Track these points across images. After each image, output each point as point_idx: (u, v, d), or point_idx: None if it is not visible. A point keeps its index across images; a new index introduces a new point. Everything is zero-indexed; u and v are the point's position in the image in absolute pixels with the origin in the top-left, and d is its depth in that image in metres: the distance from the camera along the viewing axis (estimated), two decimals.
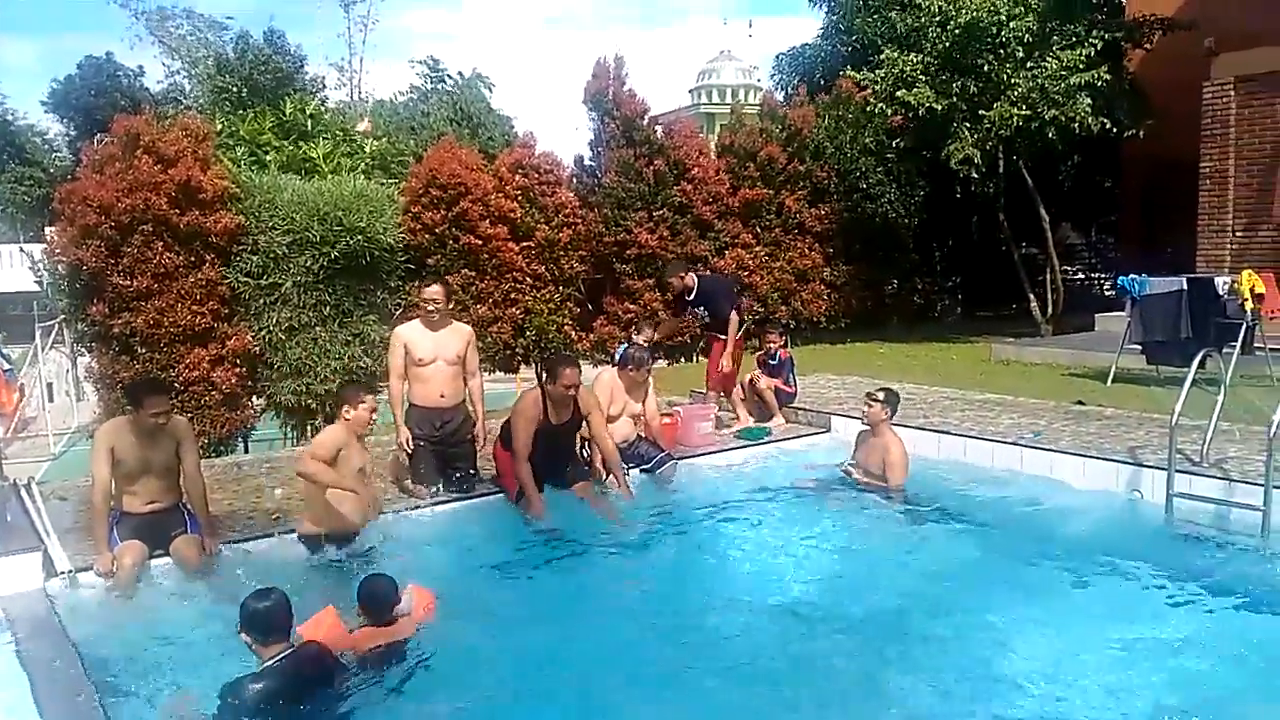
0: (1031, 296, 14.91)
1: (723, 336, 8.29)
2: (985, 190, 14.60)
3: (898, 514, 6.16)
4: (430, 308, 6.32)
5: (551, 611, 4.93)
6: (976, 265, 17.12)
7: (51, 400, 17.43)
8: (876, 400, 6.61)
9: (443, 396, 6.39)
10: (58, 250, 9.50)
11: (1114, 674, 4.15)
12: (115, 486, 5.07)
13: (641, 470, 6.78)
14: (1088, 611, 4.79)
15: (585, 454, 6.73)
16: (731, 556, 5.73)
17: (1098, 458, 6.36)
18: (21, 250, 13.97)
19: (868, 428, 6.69)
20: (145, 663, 4.16)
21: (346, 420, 5.48)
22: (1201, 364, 6.08)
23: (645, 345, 7.61)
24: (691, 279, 8.47)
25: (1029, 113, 12.68)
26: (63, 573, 5.04)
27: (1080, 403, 8.43)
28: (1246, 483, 5.67)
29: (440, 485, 6.41)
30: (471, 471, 6.53)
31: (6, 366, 9.42)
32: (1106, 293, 18.60)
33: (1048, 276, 15.23)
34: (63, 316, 10.77)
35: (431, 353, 6.32)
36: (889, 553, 5.62)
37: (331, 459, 5.30)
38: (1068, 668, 4.20)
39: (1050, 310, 14.88)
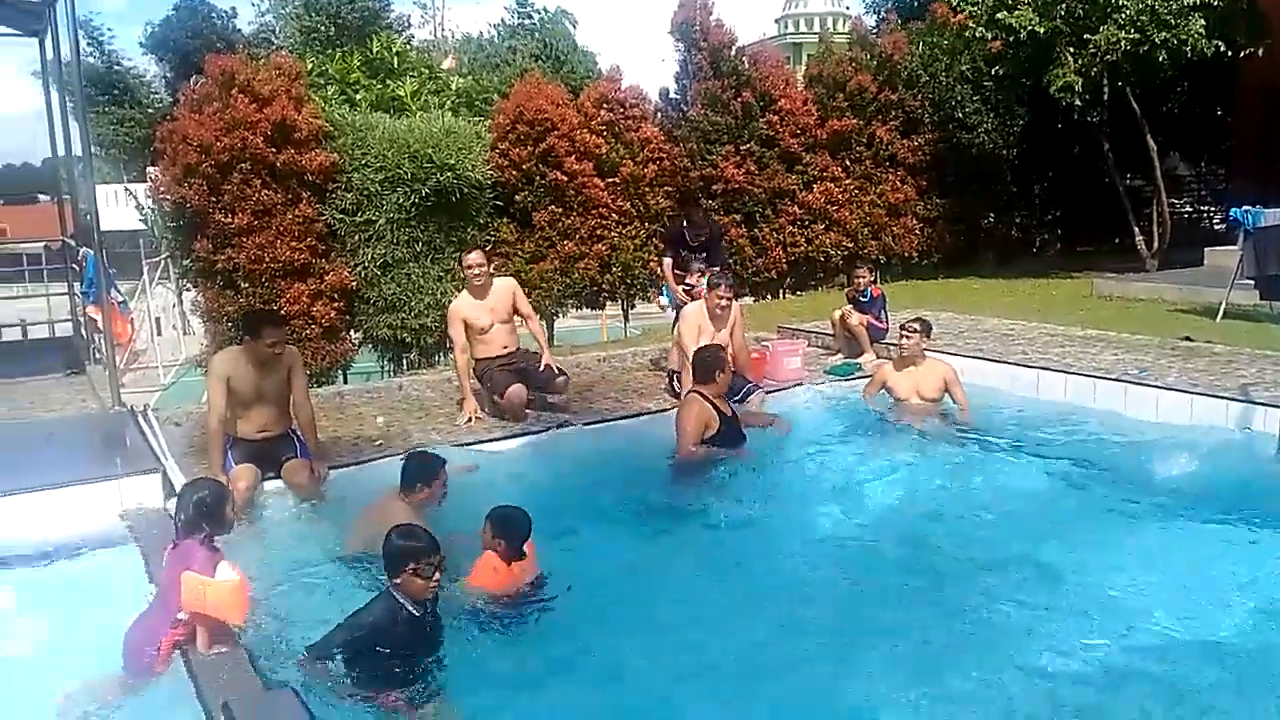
0: (1136, 230, 14.29)
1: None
2: (1089, 119, 13.93)
3: (981, 448, 6.06)
4: (475, 273, 6.73)
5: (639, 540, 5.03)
6: (1078, 198, 16.39)
7: (159, 334, 18.18)
8: (913, 331, 6.67)
9: (505, 348, 6.88)
10: (161, 189, 9.83)
11: (1220, 613, 4.07)
12: (230, 413, 5.28)
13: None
14: (1193, 549, 4.68)
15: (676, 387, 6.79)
16: (823, 487, 5.72)
17: (1206, 394, 6.14)
18: (126, 190, 14.48)
19: (903, 361, 6.74)
20: (259, 578, 4.38)
21: (420, 496, 4.70)
22: None
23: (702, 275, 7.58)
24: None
25: (1137, 35, 12.01)
26: None
27: (1188, 339, 8.11)
28: None
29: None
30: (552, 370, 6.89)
31: (120, 299, 9.82)
32: (1216, 226, 17.72)
33: (1154, 209, 14.56)
34: (168, 253, 11.18)
35: (488, 319, 6.79)
36: (985, 487, 5.55)
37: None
38: (1171, 604, 4.13)
39: (1156, 244, 14.25)
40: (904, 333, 6.71)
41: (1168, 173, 15.63)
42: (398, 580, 3.52)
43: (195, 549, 3.66)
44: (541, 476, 5.80)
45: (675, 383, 6.95)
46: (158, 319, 17.64)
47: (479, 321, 6.79)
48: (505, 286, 6.97)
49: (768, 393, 7.07)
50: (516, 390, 6.60)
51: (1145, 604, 4.15)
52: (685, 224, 8.12)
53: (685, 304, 7.57)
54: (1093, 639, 3.91)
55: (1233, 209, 9.59)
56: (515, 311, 6.97)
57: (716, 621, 4.15)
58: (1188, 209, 19.08)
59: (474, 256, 6.87)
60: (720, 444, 5.92)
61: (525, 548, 4.22)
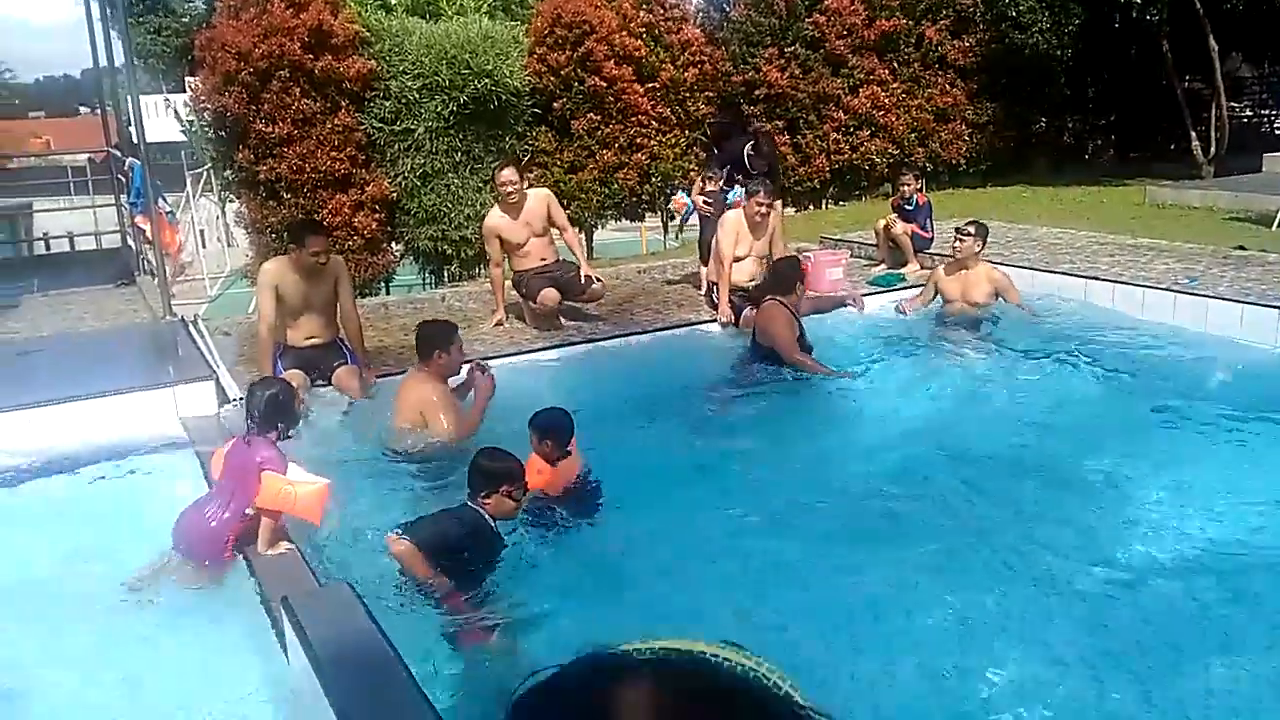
0: (1193, 135, 13.80)
1: None
2: (1147, 17, 13.34)
3: (1026, 357, 6.02)
4: (509, 190, 6.67)
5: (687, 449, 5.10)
6: (1134, 101, 15.80)
7: (204, 246, 18.40)
8: (968, 234, 6.62)
9: (543, 260, 6.87)
10: (201, 98, 9.83)
11: (1264, 522, 4.07)
12: (279, 321, 5.39)
13: None
14: (1239, 459, 4.66)
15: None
16: (867, 399, 5.73)
17: (1257, 304, 6.01)
18: (166, 101, 14.49)
19: (956, 264, 6.70)
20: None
21: (440, 363, 4.94)
22: None
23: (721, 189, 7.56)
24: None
25: None
26: (234, 400, 5.46)
27: (1241, 248, 7.90)
28: None
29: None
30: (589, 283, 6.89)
31: (168, 209, 9.94)
32: (1277, 131, 17.06)
33: (1212, 113, 14.03)
34: (209, 164, 11.24)
35: (523, 234, 6.76)
36: (1029, 397, 5.54)
37: (460, 421, 4.90)
38: (1214, 514, 4.13)
39: (1213, 150, 13.77)
40: (959, 235, 6.62)
41: (1228, 74, 14.98)
42: (488, 500, 3.60)
43: (267, 447, 3.78)
44: (583, 385, 5.86)
45: (714, 294, 6.93)
46: (202, 231, 17.83)
47: (515, 237, 6.79)
48: (540, 198, 6.90)
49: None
50: (549, 294, 6.64)
51: (1189, 515, 4.15)
52: (752, 149, 7.98)
53: (706, 213, 7.56)
54: (1136, 551, 3.93)
55: None
56: (551, 223, 6.94)
57: (762, 528, 4.21)
58: (1248, 113, 18.34)
59: (507, 173, 6.76)
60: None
61: (569, 446, 4.31)
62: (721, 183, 7.89)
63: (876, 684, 3.18)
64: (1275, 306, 5.96)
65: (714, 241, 7.00)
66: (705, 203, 7.77)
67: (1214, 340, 6.02)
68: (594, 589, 3.77)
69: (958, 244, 6.61)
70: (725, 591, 3.77)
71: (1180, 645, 3.35)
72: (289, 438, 3.95)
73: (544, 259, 6.90)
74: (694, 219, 8.37)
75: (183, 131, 12.28)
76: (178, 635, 3.46)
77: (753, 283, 6.77)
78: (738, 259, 6.74)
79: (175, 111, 11.85)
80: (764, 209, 6.71)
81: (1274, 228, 8.95)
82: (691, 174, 8.35)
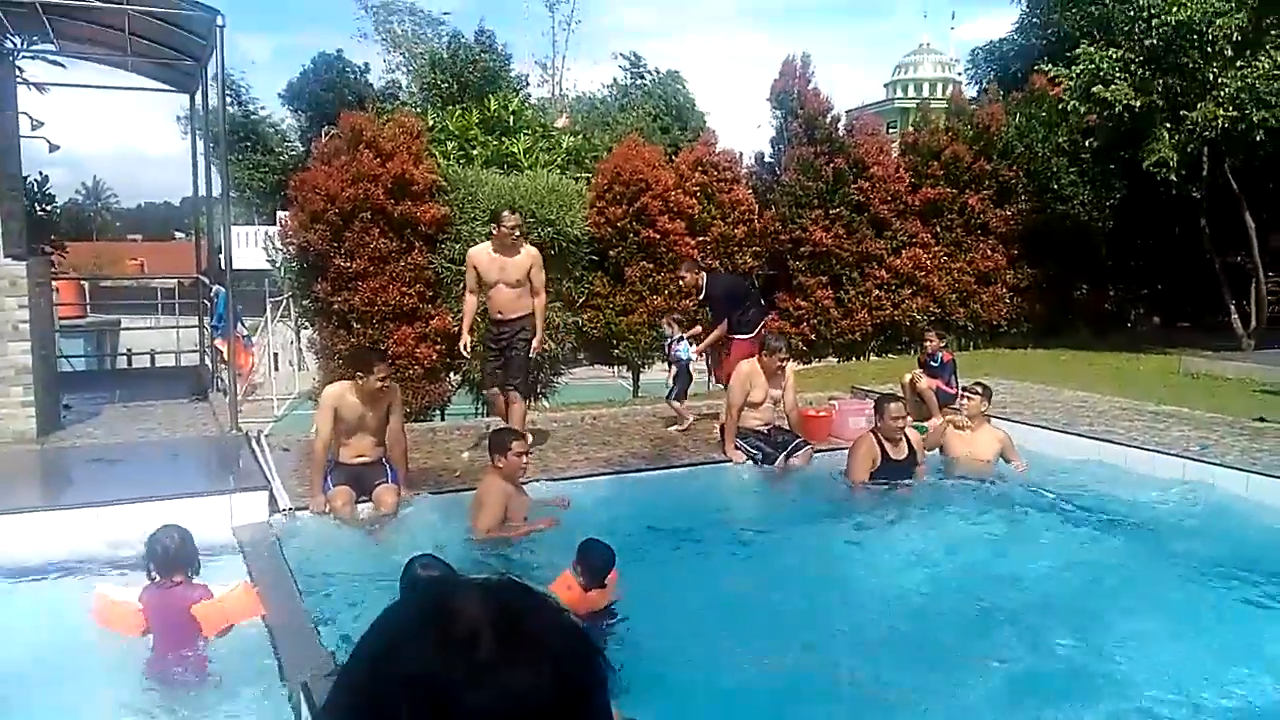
0: (1233, 307, 14.05)
1: (733, 338, 8.54)
2: (1188, 194, 13.85)
3: (1034, 512, 6.24)
4: (511, 228, 7.06)
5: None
6: (1177, 273, 16.18)
7: (277, 369, 19.41)
8: (975, 394, 7.03)
9: (500, 313, 7.18)
10: (289, 233, 10.74)
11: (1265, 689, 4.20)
12: (334, 439, 5.92)
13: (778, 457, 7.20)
14: (1237, 626, 4.79)
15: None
16: (876, 542, 5.99)
17: (1261, 474, 6.20)
18: (264, 235, 15.67)
19: (960, 423, 7.07)
20: (345, 583, 4.94)
21: (499, 469, 5.67)
22: None
23: (674, 336, 8.58)
24: (700, 278, 8.74)
25: (1235, 114, 12.00)
26: (285, 510, 5.96)
27: (1262, 419, 8.08)
28: None
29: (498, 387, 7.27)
30: (513, 380, 7.26)
31: (245, 333, 10.74)
32: None
33: (1252, 288, 14.29)
34: (290, 293, 12.14)
35: (496, 275, 7.09)
36: (1034, 556, 5.73)
37: (499, 520, 5.61)
38: (1211, 677, 4.25)
39: (1254, 323, 13.97)
40: (965, 395, 7.01)
41: (1272, 250, 15.29)
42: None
43: (185, 589, 4.12)
44: (605, 515, 6.25)
45: (720, 435, 7.41)
46: (276, 355, 18.87)
47: (489, 275, 7.09)
48: (529, 254, 7.21)
49: (828, 450, 7.40)
50: (492, 393, 7.34)
51: (1183, 677, 4.26)
52: (747, 284, 8.66)
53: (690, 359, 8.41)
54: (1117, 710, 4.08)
55: None
56: (529, 281, 7.17)
57: (768, 661, 4.45)
58: None
59: (514, 218, 7.16)
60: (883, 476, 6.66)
61: (608, 579, 4.58)
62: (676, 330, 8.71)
63: None
64: (1277, 476, 6.14)
65: (729, 389, 7.52)
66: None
67: (1218, 505, 6.19)
68: None
69: (964, 403, 6.99)
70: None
71: None
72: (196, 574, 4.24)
73: (500, 312, 7.14)
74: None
75: (269, 261, 13.32)
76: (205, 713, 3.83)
77: (766, 426, 7.23)
78: (754, 404, 7.20)
79: (267, 242, 12.84)
80: (781, 362, 7.26)
81: None
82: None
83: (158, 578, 4.17)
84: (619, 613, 4.69)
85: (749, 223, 12.66)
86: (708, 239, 12.25)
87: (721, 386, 9.08)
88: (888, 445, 6.66)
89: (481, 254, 7.22)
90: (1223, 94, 12.09)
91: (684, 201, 12.01)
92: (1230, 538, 5.79)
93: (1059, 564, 5.54)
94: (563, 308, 11.12)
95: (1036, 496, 6.48)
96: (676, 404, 8.59)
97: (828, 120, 13.88)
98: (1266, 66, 11.82)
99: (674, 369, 8.69)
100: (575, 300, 11.36)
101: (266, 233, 14.02)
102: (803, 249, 13.21)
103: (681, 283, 9.21)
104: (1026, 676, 4.29)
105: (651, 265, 11.93)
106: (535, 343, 7.29)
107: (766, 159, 14.32)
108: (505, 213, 7.22)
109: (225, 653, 4.16)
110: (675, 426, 8.45)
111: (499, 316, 7.23)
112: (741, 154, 13.89)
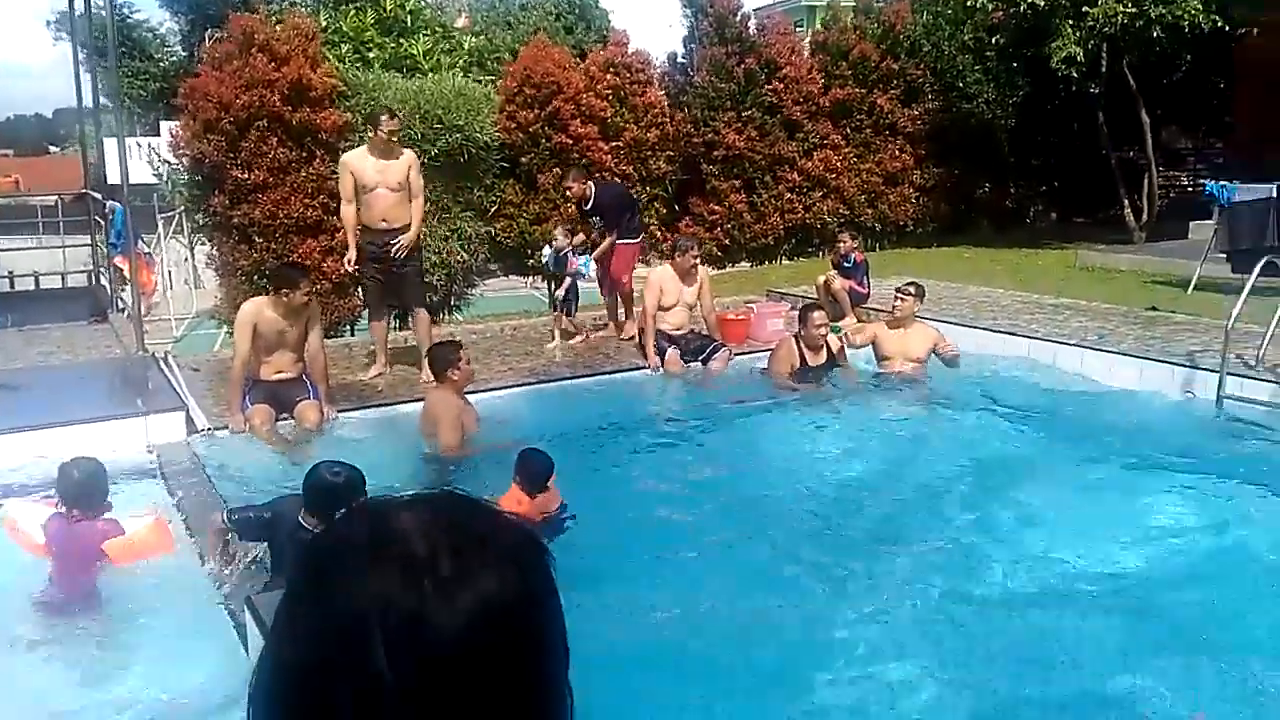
0: (1125, 202, 14.59)
1: (618, 243, 8.35)
2: (1087, 91, 14.18)
3: (950, 407, 6.52)
4: (389, 133, 6.77)
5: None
6: (1075, 169, 16.66)
7: (171, 287, 18.68)
8: (909, 294, 7.14)
9: (384, 221, 6.86)
10: (181, 144, 10.22)
11: (1150, 551, 4.54)
12: (251, 357, 5.78)
13: (696, 360, 7.33)
14: (1127, 499, 5.13)
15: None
16: (804, 438, 6.18)
17: (1155, 360, 6.56)
18: (147, 145, 14.83)
19: (895, 322, 7.23)
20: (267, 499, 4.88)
21: (454, 380, 5.73)
22: (1269, 271, 6.17)
23: (569, 246, 8.21)
24: (588, 188, 8.53)
25: (1134, 10, 12.24)
26: (203, 430, 5.82)
27: (1153, 308, 8.50)
28: None
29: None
30: (414, 302, 7.17)
31: (146, 250, 10.28)
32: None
33: (1144, 182, 14.84)
34: (182, 208, 11.59)
35: (376, 180, 6.78)
36: (950, 441, 6.02)
37: (461, 434, 5.62)
38: (1105, 546, 4.58)
39: (1145, 217, 14.55)
40: (898, 295, 7.14)
41: (1166, 145, 15.87)
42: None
43: (102, 524, 4.04)
44: (545, 420, 6.32)
45: (640, 339, 7.48)
46: (170, 273, 18.12)
47: (367, 180, 6.77)
48: (407, 157, 6.99)
49: (747, 354, 7.53)
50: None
51: (1083, 547, 4.57)
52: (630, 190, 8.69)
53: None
54: (1033, 577, 4.37)
55: (1207, 184, 9.92)
56: (408, 185, 6.93)
57: (706, 546, 4.67)
58: (1185, 182, 19.29)
59: (393, 122, 6.90)
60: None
61: (549, 483, 4.66)
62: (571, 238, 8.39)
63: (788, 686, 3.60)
64: (1169, 363, 6.51)
65: (641, 294, 7.57)
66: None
67: (1116, 392, 6.54)
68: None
69: (898, 303, 7.12)
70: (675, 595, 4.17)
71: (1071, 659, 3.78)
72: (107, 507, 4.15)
73: (384, 220, 6.84)
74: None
75: (156, 175, 12.67)
76: (135, 635, 3.79)
77: (678, 330, 7.30)
78: (666, 308, 7.26)
79: (154, 153, 12.18)
80: (694, 262, 7.30)
81: (1189, 290, 9.57)
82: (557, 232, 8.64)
83: (63, 509, 4.06)
84: (566, 514, 4.79)
85: (662, 126, 12.51)
86: (621, 144, 12.08)
87: (605, 298, 8.87)
88: (807, 352, 6.83)
89: (359, 158, 6.89)
90: None
91: (596, 105, 11.78)
92: (1122, 420, 6.15)
93: (969, 451, 5.82)
94: (474, 217, 10.91)
95: (945, 392, 6.75)
96: (570, 319, 8.36)
97: (737, 19, 13.69)
98: None
99: (566, 281, 8.24)
100: (487, 209, 11.15)
101: (151, 144, 13.31)
102: (715, 152, 13.14)
103: (569, 192, 8.92)
104: (931, 554, 4.56)
105: (564, 172, 11.72)
106: (406, 238, 6.94)
107: (679, 59, 14.09)
108: (384, 116, 6.88)
109: (129, 584, 4.08)
110: (576, 339, 8.28)
111: (382, 225, 6.84)
112: (657, 55, 13.69)
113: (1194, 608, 4.11)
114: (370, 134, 6.97)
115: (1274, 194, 9.05)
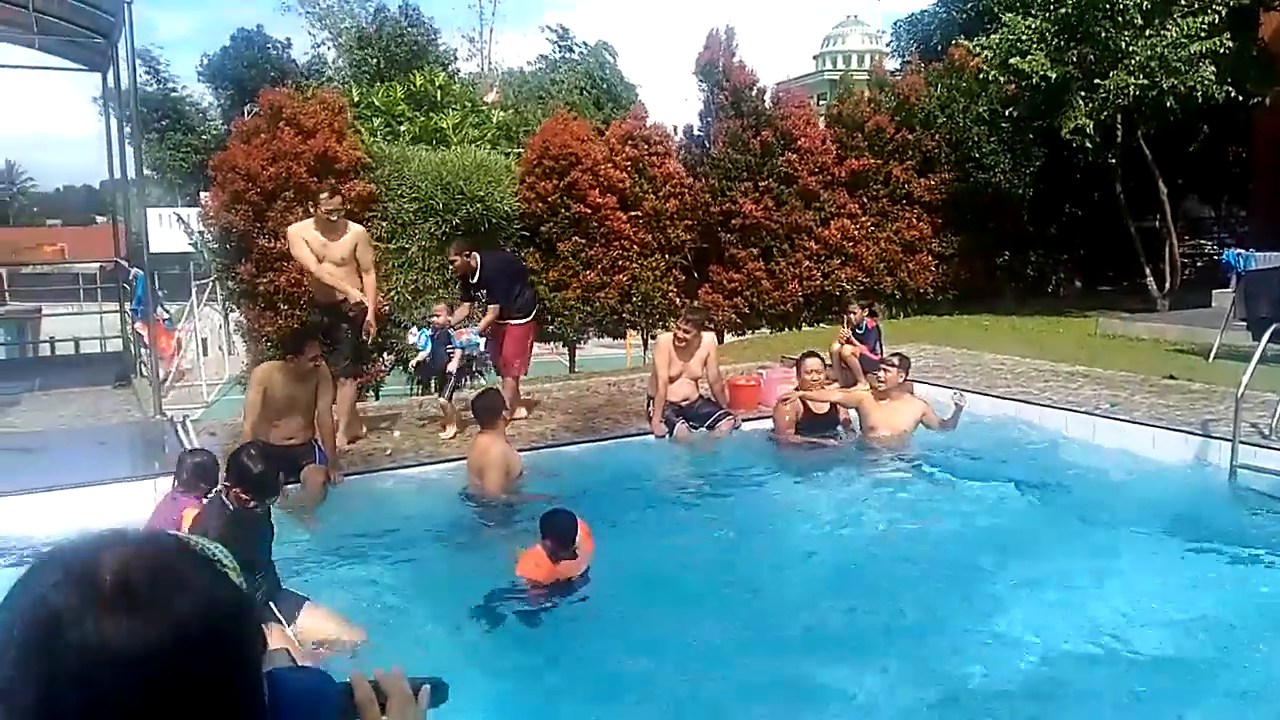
0: (1148, 271, 14.54)
1: (508, 323, 7.71)
2: (1103, 161, 14.27)
3: (949, 474, 6.44)
4: (331, 212, 6.86)
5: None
6: (1095, 238, 16.68)
7: (205, 354, 19.02)
8: (893, 365, 7.13)
9: (334, 294, 6.92)
10: (211, 214, 10.53)
11: (1163, 630, 4.42)
12: (263, 420, 5.87)
13: (701, 427, 7.34)
14: (1136, 569, 5.02)
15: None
16: (796, 506, 6.15)
17: (1167, 428, 6.48)
18: (177, 216, 15.27)
19: (881, 394, 7.13)
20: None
21: (499, 428, 6.08)
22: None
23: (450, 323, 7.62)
24: (472, 259, 7.68)
25: (1146, 82, 12.36)
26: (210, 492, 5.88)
27: (1171, 376, 8.42)
28: None
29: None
30: (346, 357, 6.98)
31: (165, 316, 10.53)
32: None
33: (1165, 251, 14.80)
34: (215, 276, 11.88)
35: (320, 254, 6.86)
36: (951, 513, 5.93)
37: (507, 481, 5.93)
38: (1120, 624, 4.47)
39: (1168, 285, 14.48)
40: (884, 367, 7.16)
41: (1186, 214, 15.86)
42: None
43: (191, 502, 4.35)
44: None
45: (649, 407, 7.47)
46: (204, 339, 18.47)
47: (317, 251, 6.83)
48: (355, 232, 7.03)
49: (752, 420, 7.54)
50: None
51: (1092, 616, 4.47)
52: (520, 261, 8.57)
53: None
54: (1039, 647, 4.27)
55: (1226, 253, 9.89)
56: (356, 259, 6.93)
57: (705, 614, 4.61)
58: (1209, 250, 19.21)
59: (333, 201, 6.94)
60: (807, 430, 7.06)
61: (581, 548, 4.65)
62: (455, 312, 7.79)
63: None
64: (1181, 430, 6.43)
65: (652, 362, 7.56)
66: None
67: (1128, 460, 6.45)
68: (557, 671, 4.12)
69: (883, 375, 7.10)
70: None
71: None
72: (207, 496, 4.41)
73: (336, 293, 6.86)
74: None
75: (191, 244, 13.01)
76: None
77: (685, 401, 7.31)
78: (672, 378, 7.29)
79: (185, 224, 12.51)
80: (687, 334, 7.31)
81: (1209, 359, 9.48)
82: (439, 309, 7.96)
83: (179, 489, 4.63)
84: (589, 583, 4.77)
85: (680, 196, 12.72)
86: (639, 213, 12.28)
87: (499, 377, 8.03)
88: (809, 401, 6.89)
89: (306, 230, 6.94)
90: (1133, 62, 12.43)
91: (614, 175, 12.01)
92: (1133, 489, 6.06)
93: (967, 520, 5.74)
94: None
95: (950, 459, 6.69)
96: (448, 401, 7.39)
97: (754, 93, 13.98)
98: (1174, 34, 12.18)
99: (457, 355, 7.42)
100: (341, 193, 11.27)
101: (184, 214, 13.71)
102: (733, 221, 13.32)
103: (452, 266, 8.09)
104: (935, 625, 4.48)
105: (584, 240, 11.94)
106: (369, 318, 6.98)
107: (695, 132, 14.37)
108: (323, 195, 7.00)
109: None
110: (446, 433, 7.29)
111: (339, 298, 6.91)
112: (676, 127, 13.98)
113: (1204, 680, 4.01)
114: (314, 211, 7.09)
115: None
